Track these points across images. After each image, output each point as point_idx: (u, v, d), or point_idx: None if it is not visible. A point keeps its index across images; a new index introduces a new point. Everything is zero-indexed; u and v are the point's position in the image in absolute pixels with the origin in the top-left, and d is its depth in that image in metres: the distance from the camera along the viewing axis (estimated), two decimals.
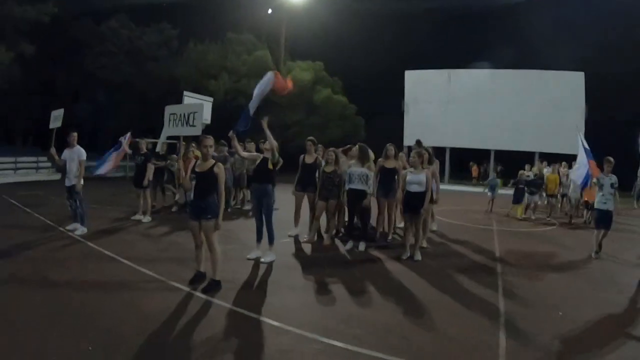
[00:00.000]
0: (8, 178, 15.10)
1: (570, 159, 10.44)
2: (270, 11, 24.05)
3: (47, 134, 7.81)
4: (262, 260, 5.29)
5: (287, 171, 7.57)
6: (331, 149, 6.67)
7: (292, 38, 24.63)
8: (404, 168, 6.53)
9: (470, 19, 27.99)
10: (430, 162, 6.54)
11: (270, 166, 5.23)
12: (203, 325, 3.43)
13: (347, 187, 6.17)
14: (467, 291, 4.59)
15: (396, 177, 6.55)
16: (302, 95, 21.01)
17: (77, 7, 20.77)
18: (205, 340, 3.16)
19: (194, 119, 4.74)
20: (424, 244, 6.49)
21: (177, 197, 9.54)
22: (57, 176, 15.42)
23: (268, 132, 5.20)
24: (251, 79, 21.83)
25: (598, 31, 23.79)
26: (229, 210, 9.21)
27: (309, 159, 6.72)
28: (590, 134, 16.77)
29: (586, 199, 9.30)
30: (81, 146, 6.76)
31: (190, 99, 12.80)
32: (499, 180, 12.50)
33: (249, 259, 5.35)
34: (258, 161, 5.40)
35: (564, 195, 10.89)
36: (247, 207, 9.37)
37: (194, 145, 8.30)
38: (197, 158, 4.44)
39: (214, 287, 4.19)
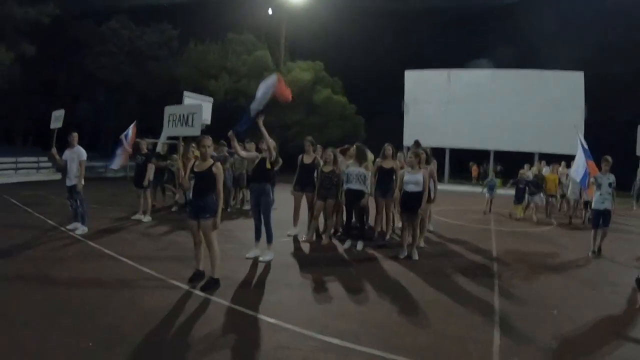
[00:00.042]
0: (9, 178, 15.15)
1: (570, 159, 10.47)
2: (270, 11, 24.13)
3: (47, 134, 7.88)
4: (260, 259, 5.35)
5: (286, 171, 7.63)
6: (329, 149, 6.73)
7: (292, 38, 24.71)
8: (402, 168, 6.58)
9: (470, 19, 28.04)
10: (427, 162, 6.59)
11: (268, 165, 5.29)
12: (201, 322, 3.49)
13: (345, 187, 6.22)
14: (463, 290, 4.64)
15: (394, 177, 6.60)
16: (302, 95, 21.05)
17: (78, 8, 20.86)
18: (204, 337, 3.21)
19: (192, 119, 4.81)
20: (422, 244, 6.54)
21: (177, 196, 9.60)
22: (58, 176, 15.49)
23: (264, 132, 5.26)
24: (251, 79, 21.91)
25: (598, 31, 23.82)
26: (228, 210, 9.28)
27: (307, 159, 6.78)
28: (590, 134, 16.81)
29: (586, 200, 9.28)
30: (82, 146, 6.82)
31: (190, 99, 12.87)
32: (497, 181, 12.49)
33: (247, 258, 5.41)
34: (257, 161, 5.46)
35: (563, 196, 10.90)
36: (247, 207, 9.42)
37: (194, 145, 8.36)
38: (197, 158, 4.50)
39: (212, 285, 4.25)
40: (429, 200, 6.34)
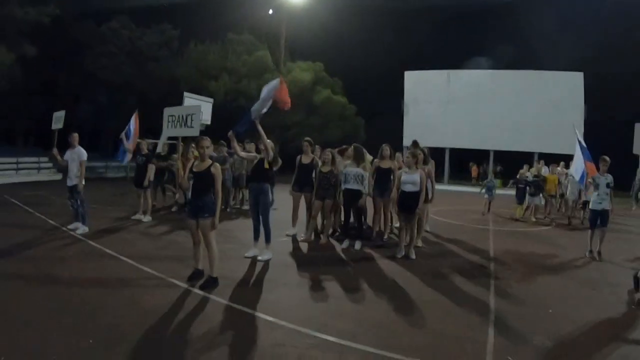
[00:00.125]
0: (10, 178, 15.22)
1: (569, 159, 10.48)
2: (270, 12, 24.17)
3: (48, 135, 7.94)
4: (259, 258, 5.40)
5: (286, 172, 7.67)
6: (327, 149, 6.78)
7: (292, 38, 24.74)
8: (400, 168, 6.62)
9: (470, 18, 28.05)
10: (425, 163, 6.63)
11: (266, 165, 5.34)
12: (200, 320, 3.54)
13: (342, 187, 6.28)
14: (459, 289, 4.68)
15: (392, 177, 6.64)
16: (302, 95, 21.10)
17: (78, 8, 20.89)
18: (202, 335, 3.26)
19: (191, 120, 4.86)
20: (419, 243, 6.59)
21: (177, 196, 9.65)
22: (59, 176, 15.56)
23: (262, 132, 5.33)
24: (251, 79, 21.96)
25: (598, 31, 23.81)
26: (228, 210, 9.34)
27: (305, 160, 6.83)
28: (590, 134, 16.86)
29: (585, 200, 9.25)
30: (82, 147, 6.88)
31: (190, 99, 12.90)
32: (496, 181, 12.45)
33: (246, 257, 5.46)
34: (255, 161, 5.51)
35: (562, 195, 10.91)
36: (246, 207, 9.45)
37: (193, 145, 8.42)
38: (196, 158, 4.56)
39: (211, 283, 4.31)
40: (427, 201, 6.39)
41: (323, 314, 3.79)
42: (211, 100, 14.83)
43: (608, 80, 22.29)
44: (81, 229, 6.74)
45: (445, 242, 7.24)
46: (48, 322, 3.37)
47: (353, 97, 24.83)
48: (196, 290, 4.21)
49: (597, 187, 6.36)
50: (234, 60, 23.15)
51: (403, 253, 5.90)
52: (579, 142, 7.23)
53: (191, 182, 4.43)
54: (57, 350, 2.91)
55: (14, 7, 17.53)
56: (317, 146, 7.67)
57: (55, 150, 7.34)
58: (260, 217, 5.48)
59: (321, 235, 6.73)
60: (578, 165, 7.27)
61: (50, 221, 7.49)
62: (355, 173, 6.16)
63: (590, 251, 6.48)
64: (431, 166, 7.16)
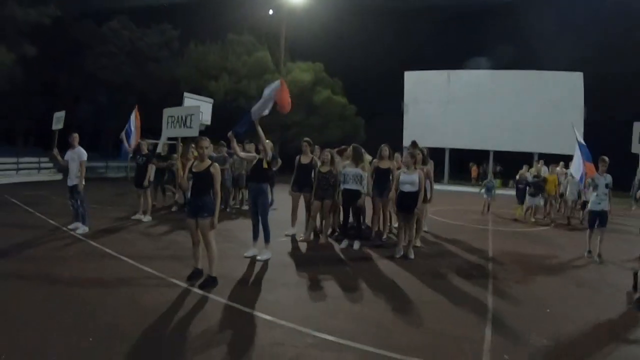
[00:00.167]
0: (10, 178, 15.24)
1: (569, 160, 10.46)
2: (271, 12, 24.19)
3: (48, 135, 7.96)
4: (258, 258, 5.43)
5: (286, 172, 7.70)
6: (327, 149, 6.81)
7: (292, 39, 24.78)
8: (399, 168, 6.65)
9: (470, 19, 28.08)
10: (424, 163, 6.66)
11: (265, 165, 5.37)
12: (199, 319, 3.57)
13: (342, 187, 6.30)
14: (458, 289, 4.70)
15: (391, 177, 6.67)
16: (302, 96, 21.14)
17: (79, 9, 20.94)
18: (201, 334, 3.29)
19: (190, 121, 4.90)
20: (418, 243, 6.61)
21: (176, 196, 9.68)
22: (59, 176, 15.60)
23: (261, 133, 5.38)
24: (251, 80, 22.00)
25: (598, 31, 23.82)
26: (228, 210, 9.37)
27: (304, 160, 6.86)
28: (590, 134, 16.88)
29: (585, 200, 9.21)
30: (82, 147, 6.91)
31: (190, 100, 12.94)
32: (496, 182, 12.42)
33: (245, 257, 5.49)
34: (254, 161, 5.54)
35: (561, 195, 10.89)
36: (246, 207, 9.49)
37: (193, 146, 8.45)
38: (196, 158, 4.59)
39: (210, 283, 4.34)
40: (425, 201, 6.42)
41: (321, 313, 3.81)
42: (211, 100, 14.87)
43: (608, 80, 22.30)
44: (81, 228, 6.77)
45: (444, 242, 7.26)
46: (48, 321, 3.39)
47: (353, 98, 24.88)
48: (195, 290, 4.24)
49: (596, 187, 6.29)
50: (234, 60, 23.19)
51: (402, 253, 5.92)
52: (578, 142, 7.23)
53: (190, 182, 4.45)
54: (58, 349, 2.94)
55: (15, 8, 17.58)
56: (316, 146, 7.70)
57: (55, 151, 7.38)
58: (260, 217, 5.50)
59: (320, 235, 6.76)
60: (578, 165, 7.26)
61: (51, 221, 7.51)
62: (354, 173, 6.18)
63: (589, 251, 6.46)
64: (430, 166, 7.18)
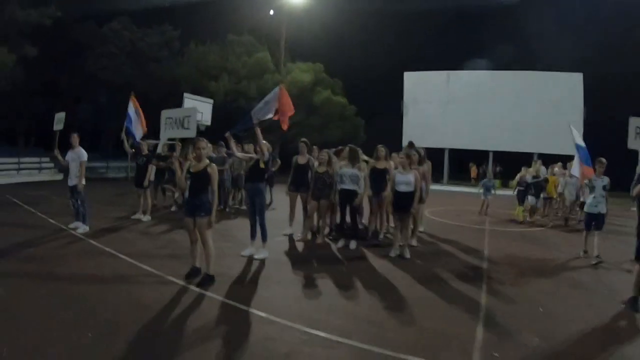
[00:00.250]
0: (11, 178, 15.34)
1: (568, 160, 10.46)
2: (271, 12, 24.27)
3: (49, 135, 8.02)
4: (255, 257, 5.51)
5: (286, 172, 7.77)
6: (324, 150, 6.89)
7: (292, 39, 24.85)
8: (396, 168, 6.71)
9: (470, 20, 28.13)
10: (420, 163, 6.72)
11: (261, 165, 5.46)
12: (195, 316, 3.65)
13: (338, 187, 6.38)
14: (451, 288, 4.75)
15: (387, 177, 6.73)
16: (301, 96, 21.21)
17: (79, 10, 20.99)
18: (197, 329, 3.38)
19: (188, 122, 5.00)
20: (414, 243, 6.68)
21: (176, 196, 9.76)
22: (60, 176, 15.69)
23: (259, 135, 5.49)
24: (251, 80, 22.07)
25: (598, 31, 23.85)
26: (227, 210, 9.45)
27: (301, 160, 6.94)
28: (590, 134, 16.88)
29: (583, 201, 9.14)
30: (83, 147, 7.00)
31: (190, 100, 13.01)
32: (494, 182, 12.39)
33: (242, 256, 5.57)
34: (251, 162, 5.63)
35: (560, 195, 10.88)
36: (245, 206, 9.57)
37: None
38: (194, 159, 4.67)
39: (207, 281, 4.42)
40: (420, 201, 6.48)
41: (315, 310, 3.89)
42: (211, 101, 14.94)
43: (608, 80, 22.31)
44: (82, 228, 6.85)
45: (440, 242, 7.32)
46: (49, 318, 3.46)
47: (353, 98, 24.94)
48: (193, 288, 4.32)
49: (592, 189, 6.23)
50: (234, 61, 23.27)
51: (397, 252, 5.99)
52: (576, 144, 7.17)
53: (188, 182, 4.54)
54: (58, 345, 3.01)
55: (16, 9, 17.68)
56: (315, 147, 7.77)
57: (56, 151, 7.47)
58: (257, 216, 5.58)
59: (317, 235, 6.83)
60: (577, 166, 7.21)
61: (52, 221, 7.60)
62: (351, 174, 6.26)
63: (585, 251, 6.46)
64: (427, 167, 7.23)
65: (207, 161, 4.54)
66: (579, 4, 25.61)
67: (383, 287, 4.69)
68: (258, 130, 5.51)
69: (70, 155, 6.96)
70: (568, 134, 7.26)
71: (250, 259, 5.49)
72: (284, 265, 5.40)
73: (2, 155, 16.56)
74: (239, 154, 6.07)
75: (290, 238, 6.89)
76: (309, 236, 6.88)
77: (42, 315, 3.50)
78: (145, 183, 8.21)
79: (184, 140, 8.05)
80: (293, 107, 5.88)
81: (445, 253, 6.57)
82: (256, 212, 5.57)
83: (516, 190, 10.32)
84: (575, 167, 7.20)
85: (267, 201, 10.13)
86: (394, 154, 7.55)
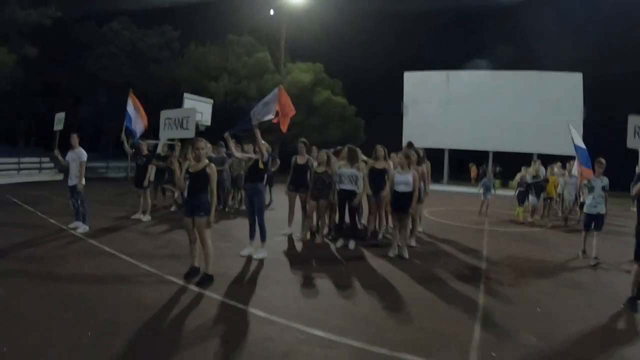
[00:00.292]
0: (12, 178, 15.37)
1: (567, 160, 10.46)
2: (272, 12, 24.29)
3: (49, 135, 8.03)
4: (254, 256, 5.53)
5: (285, 172, 7.78)
6: (323, 150, 6.91)
7: (292, 40, 24.89)
8: (395, 168, 6.72)
9: (470, 20, 28.17)
10: (419, 163, 6.74)
11: (261, 165, 5.48)
12: (194, 315, 3.67)
13: (337, 187, 6.39)
14: (450, 288, 4.76)
15: (386, 177, 6.75)
16: (301, 96, 21.23)
17: (79, 10, 21.04)
18: (196, 329, 3.40)
19: (187, 122, 5.03)
20: (413, 243, 6.69)
21: (176, 195, 9.78)
22: (60, 176, 15.72)
23: (258, 135, 5.53)
24: (251, 80, 22.09)
25: (598, 31, 23.87)
26: (226, 210, 9.47)
27: (300, 160, 6.96)
28: (590, 134, 16.89)
29: (583, 201, 9.10)
30: (83, 147, 7.03)
31: (190, 100, 13.03)
32: (494, 181, 12.37)
33: (242, 256, 5.59)
34: (250, 162, 5.65)
35: (559, 195, 10.87)
36: (245, 207, 9.58)
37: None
38: (193, 159, 4.69)
39: (206, 280, 4.44)
40: (419, 201, 6.49)
41: (313, 309, 3.91)
42: (211, 101, 14.96)
43: (608, 80, 22.34)
44: (82, 228, 6.88)
45: (439, 242, 7.32)
46: (50, 317, 3.48)
47: (353, 98, 24.97)
48: (192, 287, 4.34)
49: (592, 189, 6.17)
50: (234, 61, 23.30)
51: (396, 252, 6.00)
52: (575, 145, 7.06)
53: (187, 182, 4.56)
54: (58, 344, 3.03)
55: (16, 9, 17.72)
56: (314, 147, 7.79)
57: (57, 151, 7.49)
58: (256, 216, 5.60)
59: (316, 235, 6.85)
60: (577, 165, 7.18)
61: (52, 220, 7.62)
62: (349, 174, 6.27)
63: (584, 251, 6.45)
64: (426, 167, 7.24)
65: (206, 161, 4.56)
66: (579, 4, 25.64)
67: (381, 287, 4.70)
68: (257, 132, 5.54)
69: (70, 155, 6.98)
70: (568, 134, 7.25)
71: (249, 258, 5.51)
72: (282, 265, 5.42)
73: (3, 155, 16.60)
74: (238, 154, 6.09)
75: (290, 238, 6.91)
76: (308, 236, 6.89)
77: (42, 315, 3.52)
78: (145, 183, 8.24)
79: (183, 141, 8.08)
80: (293, 107, 5.91)
81: (444, 253, 6.58)
82: (255, 212, 5.59)
83: (517, 191, 10.32)
84: (576, 167, 7.17)
85: (267, 201, 10.17)
86: (392, 154, 7.58)
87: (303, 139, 7.17)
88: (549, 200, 10.48)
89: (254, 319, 3.63)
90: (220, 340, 3.23)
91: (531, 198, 9.99)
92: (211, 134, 9.92)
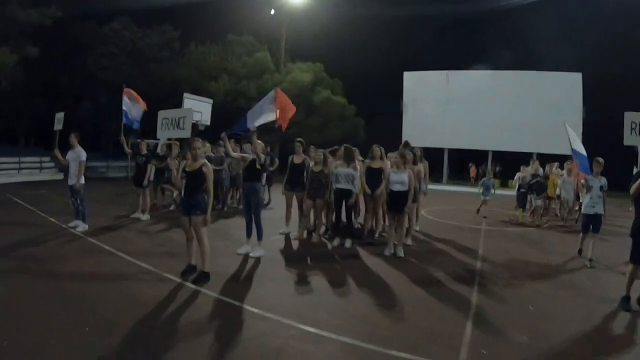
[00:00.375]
0: (12, 178, 15.42)
1: (566, 160, 10.46)
2: (272, 12, 24.33)
3: (49, 135, 8.10)
4: (251, 255, 5.60)
5: (284, 171, 7.84)
6: (320, 150, 6.97)
7: (292, 39, 24.92)
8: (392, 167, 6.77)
9: (470, 20, 28.17)
10: (415, 163, 6.78)
11: (258, 166, 5.54)
12: (190, 311, 3.75)
13: (334, 186, 6.45)
14: (443, 286, 4.81)
15: (382, 176, 6.80)
16: (301, 96, 21.27)
17: (80, 10, 21.09)
18: (191, 324, 3.47)
19: (184, 122, 5.10)
20: (409, 242, 6.74)
21: (175, 195, 9.84)
22: (60, 176, 15.78)
23: (256, 142, 5.60)
24: (251, 80, 22.13)
25: (598, 31, 23.87)
26: (225, 209, 9.53)
27: (297, 160, 7.03)
28: (589, 134, 16.92)
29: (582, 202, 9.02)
30: (83, 147, 7.10)
31: (190, 100, 13.10)
32: (493, 181, 12.34)
33: (238, 254, 5.65)
34: (247, 162, 5.71)
35: (558, 196, 10.86)
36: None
37: None
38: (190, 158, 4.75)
39: (203, 278, 4.51)
40: (414, 200, 6.54)
41: (307, 306, 3.98)
42: (210, 100, 15.04)
43: (607, 80, 22.33)
44: (81, 226, 6.95)
45: (435, 242, 7.36)
46: (50, 315, 3.54)
47: (353, 98, 24.98)
48: (189, 284, 4.41)
49: (589, 189, 6.06)
50: (233, 61, 23.34)
51: (392, 251, 6.06)
52: (572, 147, 7.03)
53: (184, 182, 4.62)
54: (58, 340, 3.09)
55: (16, 9, 17.76)
56: (311, 146, 7.84)
57: (57, 151, 7.56)
58: (253, 215, 5.66)
59: (313, 234, 6.91)
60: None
61: (52, 219, 7.68)
62: (346, 173, 6.34)
63: (580, 250, 6.42)
64: (422, 167, 7.28)
65: (203, 161, 4.63)
66: (579, 4, 25.62)
67: (375, 284, 4.76)
68: (254, 138, 5.60)
69: (70, 155, 7.05)
70: (566, 133, 7.27)
71: (246, 256, 5.58)
72: (279, 263, 5.49)
73: (3, 154, 16.65)
74: (234, 154, 6.15)
75: (287, 237, 6.97)
76: (305, 235, 6.95)
77: (41, 313, 3.58)
78: (145, 182, 8.30)
79: (181, 141, 8.16)
80: (293, 106, 5.96)
81: (440, 252, 6.61)
82: (252, 210, 5.65)
83: (518, 192, 10.28)
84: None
85: (265, 200, 10.22)
86: (389, 154, 7.63)
87: (300, 139, 7.23)
88: (547, 201, 10.49)
89: (249, 316, 3.70)
90: (215, 335, 3.30)
91: (533, 199, 9.90)
92: (211, 133, 9.99)
